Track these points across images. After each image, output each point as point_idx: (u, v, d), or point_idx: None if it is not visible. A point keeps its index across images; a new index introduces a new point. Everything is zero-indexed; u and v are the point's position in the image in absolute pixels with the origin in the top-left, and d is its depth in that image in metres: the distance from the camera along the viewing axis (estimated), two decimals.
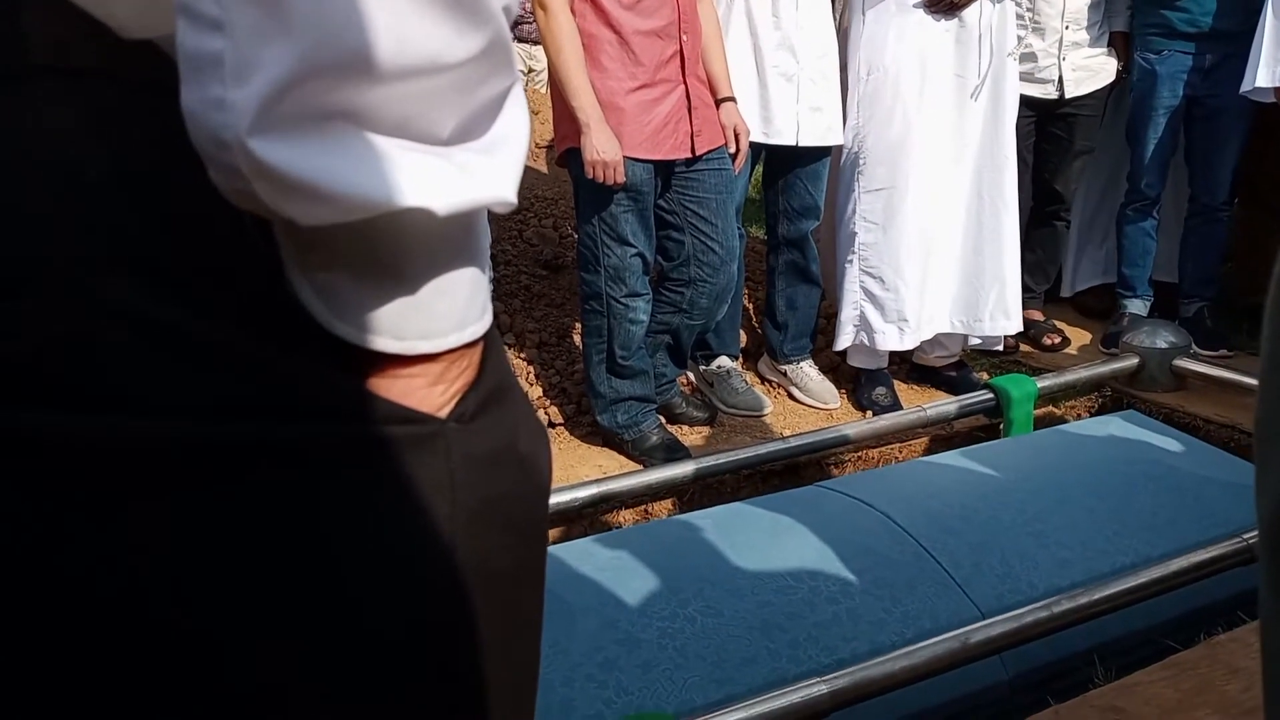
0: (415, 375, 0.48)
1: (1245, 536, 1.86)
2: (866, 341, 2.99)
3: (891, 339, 2.95)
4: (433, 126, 0.43)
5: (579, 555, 1.75)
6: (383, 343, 0.46)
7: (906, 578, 1.72)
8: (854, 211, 2.97)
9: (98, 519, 0.43)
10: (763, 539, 1.81)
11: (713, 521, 1.88)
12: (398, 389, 0.47)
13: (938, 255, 2.97)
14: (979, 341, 3.18)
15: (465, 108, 0.44)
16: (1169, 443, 2.22)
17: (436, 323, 0.47)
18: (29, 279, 0.42)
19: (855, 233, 2.97)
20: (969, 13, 2.86)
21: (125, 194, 0.44)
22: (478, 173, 0.45)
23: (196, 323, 0.44)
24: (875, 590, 1.69)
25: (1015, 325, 3.09)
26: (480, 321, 0.50)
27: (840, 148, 2.95)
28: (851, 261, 2.98)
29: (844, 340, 3.02)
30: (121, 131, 0.44)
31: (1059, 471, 2.06)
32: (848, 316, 3.00)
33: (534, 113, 4.34)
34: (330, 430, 0.46)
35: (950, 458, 2.21)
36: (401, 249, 0.45)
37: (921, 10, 2.84)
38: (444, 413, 0.49)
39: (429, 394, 0.48)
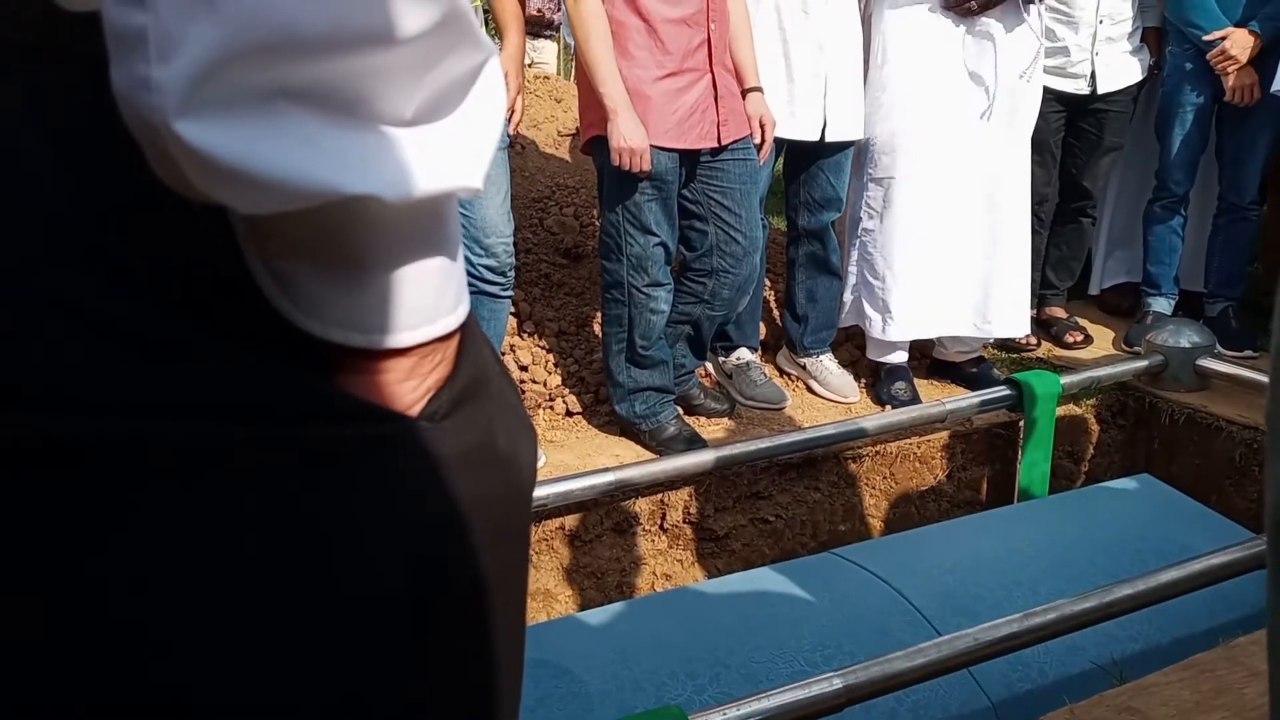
0: (383, 371, 0.45)
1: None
2: (860, 325, 3.03)
3: (876, 327, 2.98)
4: (391, 107, 0.40)
5: (596, 625, 1.76)
6: (347, 336, 0.43)
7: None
8: (860, 197, 3.01)
9: (39, 520, 0.40)
10: (778, 617, 1.82)
11: (728, 591, 1.88)
12: (364, 386, 0.44)
13: (946, 255, 2.95)
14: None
15: (426, 86, 0.41)
16: (1184, 515, 2.22)
17: (404, 316, 0.44)
18: None
19: (860, 218, 3.01)
20: (988, 16, 2.85)
21: (66, 178, 0.41)
22: (439, 156, 0.42)
23: (144, 315, 0.41)
24: None
25: (1016, 329, 3.09)
26: (454, 314, 0.47)
27: None
28: (855, 246, 3.04)
29: (843, 320, 3.07)
30: (62, 111, 0.41)
31: (1073, 547, 2.07)
32: (848, 299, 3.06)
33: (555, 101, 4.34)
34: (291, 430, 0.43)
35: (965, 523, 2.24)
36: (362, 237, 0.42)
37: (940, 9, 2.85)
38: (414, 411, 0.46)
39: (398, 391, 0.45)
